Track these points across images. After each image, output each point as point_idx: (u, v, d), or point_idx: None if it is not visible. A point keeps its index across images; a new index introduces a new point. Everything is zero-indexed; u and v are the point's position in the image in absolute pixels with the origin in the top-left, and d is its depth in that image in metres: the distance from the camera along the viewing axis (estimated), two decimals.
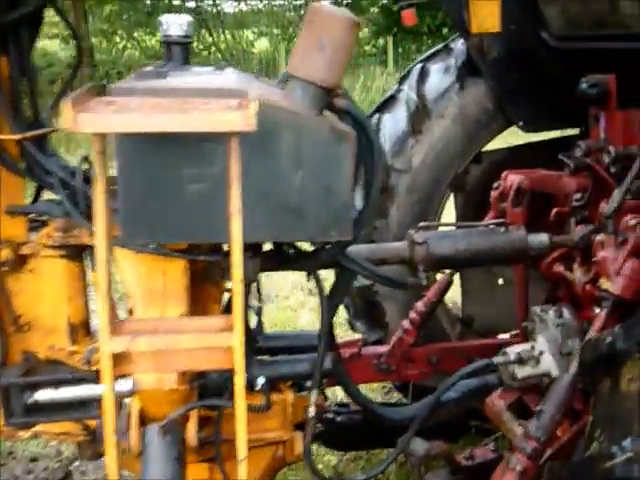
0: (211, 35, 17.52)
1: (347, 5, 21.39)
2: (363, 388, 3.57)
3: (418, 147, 3.18)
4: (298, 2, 20.89)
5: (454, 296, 3.91)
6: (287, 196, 1.79)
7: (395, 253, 2.40)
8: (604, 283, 2.02)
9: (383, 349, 3.05)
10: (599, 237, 2.23)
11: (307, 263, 2.10)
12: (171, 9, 16.59)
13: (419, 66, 3.32)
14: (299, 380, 2.39)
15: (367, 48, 22.18)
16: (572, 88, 2.65)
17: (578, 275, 2.57)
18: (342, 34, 1.76)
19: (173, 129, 1.41)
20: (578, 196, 2.63)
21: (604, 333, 1.52)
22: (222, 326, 1.59)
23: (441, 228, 2.59)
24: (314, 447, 3.10)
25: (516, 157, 3.54)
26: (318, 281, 2.21)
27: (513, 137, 3.51)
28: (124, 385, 1.92)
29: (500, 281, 3.58)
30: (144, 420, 2.03)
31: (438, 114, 3.16)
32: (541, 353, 2.45)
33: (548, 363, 2.45)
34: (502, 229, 2.44)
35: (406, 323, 3.01)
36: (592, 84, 2.48)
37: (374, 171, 1.99)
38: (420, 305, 3.01)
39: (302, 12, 20.30)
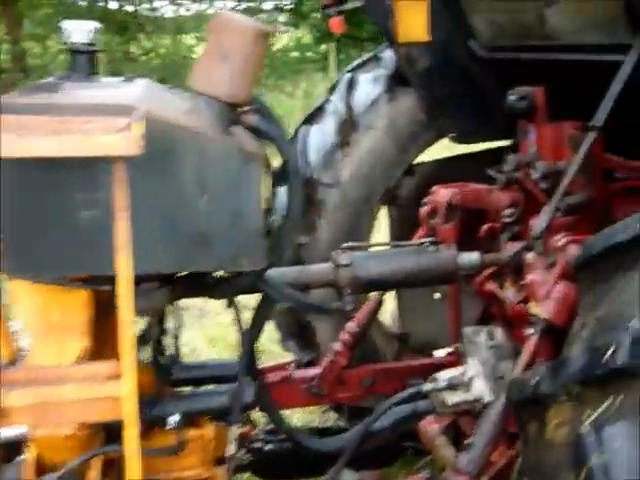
0: (150, 40, 17.14)
1: (290, 10, 21.32)
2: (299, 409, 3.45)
3: (347, 160, 3.05)
4: (239, 7, 20.69)
5: (390, 311, 3.80)
6: (191, 223, 1.64)
7: (319, 276, 2.26)
8: (533, 307, 1.92)
9: (314, 372, 2.92)
10: (529, 257, 2.13)
11: (224, 290, 1.96)
12: (107, 13, 16.16)
13: (348, 76, 3.20)
14: (218, 415, 2.24)
15: (309, 54, 22.13)
16: (502, 99, 2.56)
17: (509, 294, 2.48)
18: (248, 45, 1.62)
19: (44, 153, 1.24)
20: (509, 212, 2.54)
21: (529, 372, 1.41)
22: (111, 373, 1.42)
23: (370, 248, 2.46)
24: (244, 477, 2.94)
25: (450, 169, 3.45)
26: (236, 309, 2.07)
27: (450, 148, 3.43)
28: (14, 431, 1.73)
29: (437, 295, 3.47)
30: (41, 469, 1.84)
31: (367, 126, 3.04)
32: (472, 378, 2.34)
33: (480, 388, 2.34)
34: (432, 248, 2.32)
35: (337, 345, 2.89)
36: (520, 97, 2.39)
37: (291, 191, 1.86)
38: (351, 325, 2.89)
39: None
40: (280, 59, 21.31)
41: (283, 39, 22.74)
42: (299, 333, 3.30)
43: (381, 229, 3.52)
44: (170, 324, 2.38)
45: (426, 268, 2.28)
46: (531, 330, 1.94)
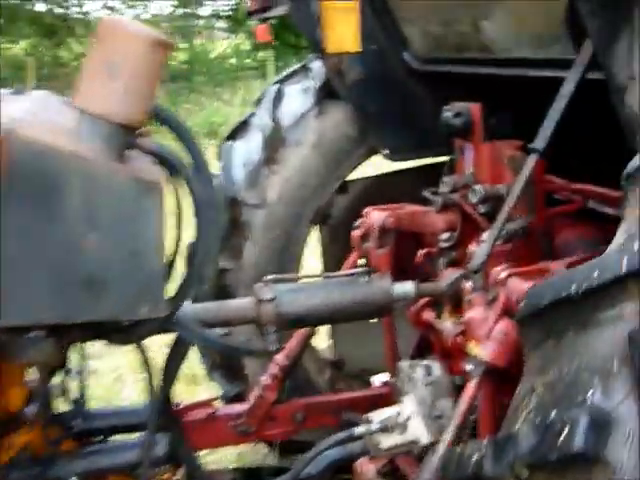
0: (81, 44, 16.58)
1: (227, 17, 21.00)
2: None
3: (274, 178, 2.83)
4: (176, 11, 20.27)
5: (324, 335, 3.59)
6: (77, 265, 1.39)
7: (240, 312, 2.03)
8: (473, 348, 1.74)
9: (241, 408, 2.71)
10: (467, 288, 1.95)
11: (129, 333, 1.72)
12: (35, 16, 15.54)
13: (274, 88, 2.98)
14: (126, 471, 1.99)
15: (247, 61, 21.85)
16: (438, 115, 2.38)
17: (447, 326, 2.30)
18: (142, 56, 1.38)
19: None
20: (446, 236, 2.37)
21: (470, 447, 1.22)
22: None
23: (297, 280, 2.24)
24: None
25: (386, 186, 3.28)
26: (143, 353, 1.83)
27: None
28: None
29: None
30: None
31: (295, 141, 2.83)
32: (408, 418, 2.15)
33: (417, 429, 2.16)
34: (364, 279, 2.12)
35: (265, 378, 2.68)
36: (456, 113, 2.22)
37: (199, 224, 1.63)
38: (280, 358, 2.68)
39: (179, 22, 19.71)
40: (218, 66, 21.01)
41: (221, 46, 22.43)
42: (225, 364, 3.06)
43: (313, 251, 3.32)
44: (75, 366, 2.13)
45: (358, 301, 2.08)
46: (471, 372, 1.75)
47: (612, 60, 1.27)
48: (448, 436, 1.82)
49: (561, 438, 0.94)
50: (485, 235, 2.06)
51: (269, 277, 2.06)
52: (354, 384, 3.47)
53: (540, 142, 1.74)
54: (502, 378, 1.83)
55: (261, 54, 20.86)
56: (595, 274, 1.04)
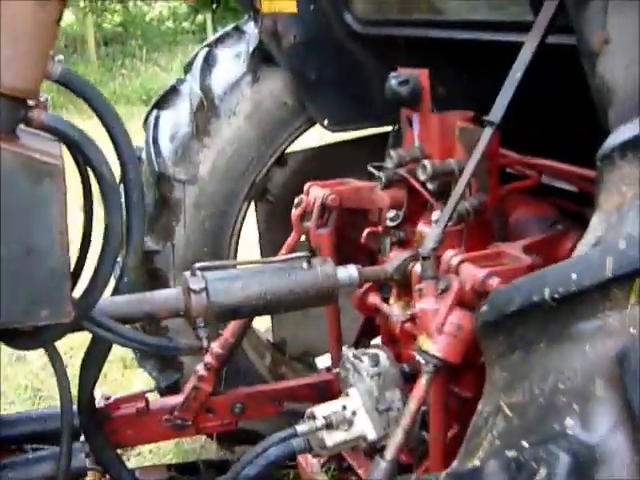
0: None
1: None
2: None
3: (205, 152, 2.60)
4: None
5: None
6: None
7: (165, 305, 1.81)
8: (424, 342, 1.58)
9: (175, 401, 2.52)
10: (415, 272, 1.79)
11: (33, 338, 1.50)
12: None
13: (204, 51, 2.72)
14: None
15: (185, 25, 21.13)
16: (383, 82, 2.18)
17: (395, 311, 2.15)
18: (28, 15, 1.14)
19: None
20: (392, 214, 2.20)
21: (425, 477, 1.06)
22: None
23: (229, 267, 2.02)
24: None
25: (328, 158, 3.08)
26: (52, 355, 1.62)
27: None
28: None
29: None
30: None
31: (228, 111, 2.59)
32: (354, 413, 1.99)
33: (363, 423, 2.00)
34: (304, 264, 1.92)
35: (201, 368, 2.49)
36: (402, 80, 2.02)
37: (110, 211, 1.41)
38: (216, 346, 2.49)
39: None
40: (154, 29, 20.23)
41: (157, 8, 21.62)
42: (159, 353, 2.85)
43: (250, 230, 3.10)
44: None
45: (298, 289, 1.88)
46: (421, 367, 1.59)
47: (583, 21, 1.10)
48: (397, 439, 1.67)
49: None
50: (435, 215, 1.89)
51: (198, 265, 1.84)
52: (297, 367, 3.32)
53: (496, 114, 1.57)
54: (455, 371, 1.68)
55: (199, 17, 20.19)
56: (573, 277, 0.87)
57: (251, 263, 1.93)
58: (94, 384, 1.99)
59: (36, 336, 1.46)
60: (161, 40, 19.13)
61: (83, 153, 1.30)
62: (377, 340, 2.52)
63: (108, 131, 1.59)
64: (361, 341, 2.50)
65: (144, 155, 2.67)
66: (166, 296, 1.85)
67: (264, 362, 3.07)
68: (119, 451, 2.98)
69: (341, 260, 2.14)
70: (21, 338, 1.47)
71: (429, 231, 1.67)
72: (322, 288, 1.92)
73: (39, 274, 1.24)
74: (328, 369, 2.74)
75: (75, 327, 1.60)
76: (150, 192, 2.65)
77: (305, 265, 1.93)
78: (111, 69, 15.15)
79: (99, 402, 2.49)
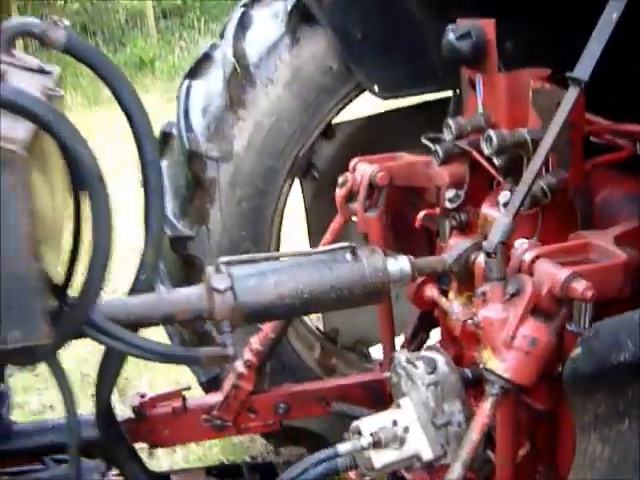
0: None
1: None
2: None
3: (240, 126, 2.32)
4: None
5: None
6: None
7: (186, 306, 1.55)
8: (489, 359, 1.27)
9: (214, 399, 2.31)
10: (478, 265, 1.47)
11: (32, 350, 1.28)
12: None
13: (239, 12, 2.43)
14: None
15: None
16: (440, 37, 1.84)
17: (455, 308, 1.84)
18: None
19: None
20: (452, 194, 1.88)
21: None
22: None
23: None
24: None
25: (380, 127, 2.76)
26: (52, 367, 1.40)
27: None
28: None
29: None
30: None
31: (264, 79, 2.30)
32: (406, 429, 1.71)
33: (417, 441, 1.72)
34: (348, 255, 1.62)
35: (240, 366, 2.26)
36: (463, 33, 1.68)
37: (94, 203, 1.15)
38: (256, 342, 2.25)
39: None
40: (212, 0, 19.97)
41: None
42: (198, 346, 2.61)
43: (296, 211, 2.82)
44: None
45: (342, 286, 1.59)
46: (487, 389, 1.29)
47: None
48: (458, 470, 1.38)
49: None
50: (503, 197, 1.56)
51: (222, 259, 1.56)
52: (350, 358, 3.05)
53: (583, 70, 1.23)
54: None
55: None
56: None
57: (285, 256, 1.64)
58: (110, 393, 1.77)
59: (31, 350, 1.24)
60: (219, 10, 18.90)
61: (52, 132, 1.04)
62: (435, 334, 2.22)
63: (120, 103, 1.36)
64: (417, 337, 2.20)
65: (175, 131, 2.42)
66: (187, 296, 1.58)
67: (313, 354, 2.82)
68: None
69: (395, 247, 1.85)
70: (13, 353, 1.25)
71: (495, 217, 1.35)
72: (369, 284, 1.62)
73: (6, 288, 1.00)
74: (381, 364, 2.46)
75: (75, 335, 1.37)
76: (182, 172, 2.40)
77: (349, 257, 1.62)
78: (170, 42, 15.05)
79: (133, 400, 2.31)
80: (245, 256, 1.63)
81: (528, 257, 1.28)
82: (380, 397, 2.25)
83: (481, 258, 1.62)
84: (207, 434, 2.39)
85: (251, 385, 2.30)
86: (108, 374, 1.67)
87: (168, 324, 1.63)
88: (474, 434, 1.29)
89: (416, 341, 2.28)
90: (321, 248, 1.65)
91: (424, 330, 2.29)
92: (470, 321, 1.32)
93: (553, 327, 1.24)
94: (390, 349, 2.18)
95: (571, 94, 1.27)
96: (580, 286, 1.18)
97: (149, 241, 1.51)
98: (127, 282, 1.56)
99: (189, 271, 2.46)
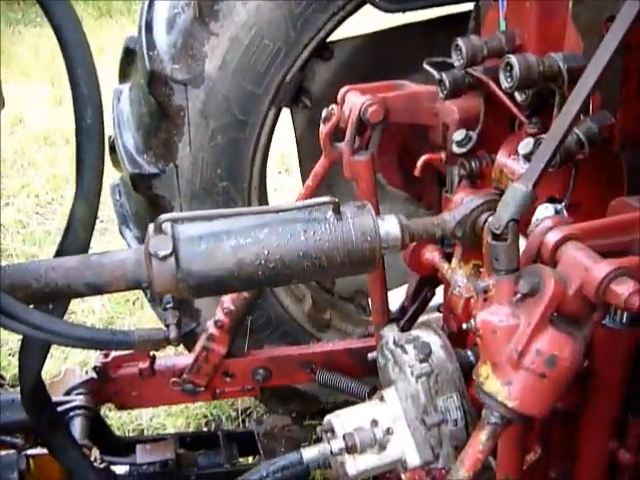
0: None
1: None
2: None
3: (212, 42, 1.92)
4: None
5: None
6: None
7: (119, 274, 1.19)
8: (487, 379, 0.92)
9: (186, 361, 2.06)
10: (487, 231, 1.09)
11: None
12: None
13: None
14: None
15: None
16: None
17: (458, 279, 1.47)
18: None
19: None
20: (461, 135, 1.48)
21: None
22: None
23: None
24: None
25: (385, 48, 2.32)
26: None
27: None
28: None
29: None
30: None
31: None
32: (390, 430, 1.38)
33: (402, 443, 1.40)
34: (329, 213, 1.23)
35: (211, 326, 1.97)
36: None
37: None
38: (228, 302, 1.95)
39: None
40: None
41: None
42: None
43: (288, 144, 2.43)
44: None
45: (320, 252, 1.21)
46: (485, 417, 0.94)
47: None
48: None
49: None
50: (524, 145, 1.17)
51: (165, 216, 1.19)
52: (346, 310, 2.72)
53: None
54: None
55: None
56: None
57: (249, 214, 1.26)
58: (40, 369, 1.46)
59: None
60: None
61: None
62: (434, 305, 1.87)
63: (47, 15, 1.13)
64: (413, 304, 1.85)
65: (138, 48, 2.02)
66: (122, 260, 1.21)
67: (303, 307, 2.49)
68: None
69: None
70: None
71: (513, 170, 0.96)
72: (355, 250, 1.23)
73: None
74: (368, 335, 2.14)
75: None
76: (144, 98, 2.02)
77: (330, 215, 1.24)
78: None
79: (97, 360, 2.05)
80: (196, 212, 1.25)
81: (552, 238, 0.90)
82: (370, 366, 1.94)
83: (490, 223, 1.25)
84: (179, 398, 2.12)
85: (224, 348, 2.02)
86: (36, 345, 1.37)
87: (97, 295, 1.29)
88: (462, 472, 0.95)
89: (417, 301, 1.93)
90: (296, 203, 1.27)
91: (428, 288, 1.93)
92: (466, 326, 0.96)
93: (580, 339, 0.88)
94: (382, 313, 1.82)
95: (631, 7, 0.86)
96: (625, 289, 0.81)
97: (80, 193, 1.24)
98: None
99: (157, 214, 2.11)
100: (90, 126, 1.22)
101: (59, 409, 1.88)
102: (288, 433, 2.21)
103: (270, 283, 1.26)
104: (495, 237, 0.94)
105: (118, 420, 2.69)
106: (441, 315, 1.77)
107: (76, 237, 1.28)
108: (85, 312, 3.27)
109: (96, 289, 1.22)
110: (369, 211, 1.25)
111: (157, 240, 1.18)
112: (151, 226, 1.20)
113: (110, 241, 3.76)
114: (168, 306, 1.29)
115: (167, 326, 1.25)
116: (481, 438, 0.95)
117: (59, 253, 1.27)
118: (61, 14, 1.17)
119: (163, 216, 1.19)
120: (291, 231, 1.22)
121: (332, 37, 2.13)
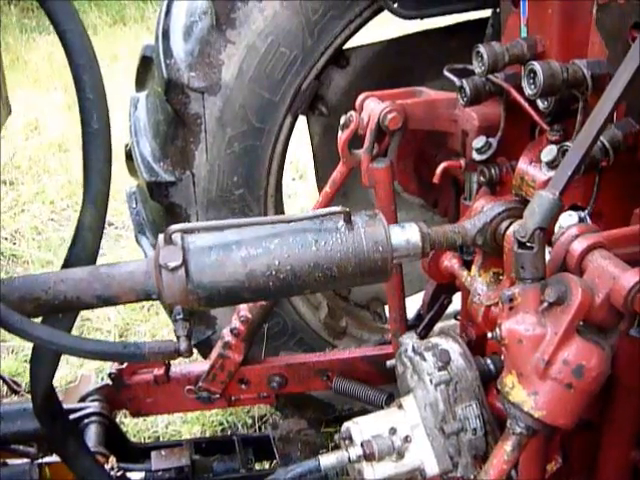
0: None
1: None
2: None
3: (230, 50, 1.92)
4: None
5: None
6: None
7: (129, 285, 1.20)
8: (513, 389, 0.91)
9: (201, 369, 2.07)
10: (511, 233, 1.08)
11: None
12: None
13: None
14: None
15: None
16: None
17: (478, 288, 1.47)
18: None
19: None
20: (481, 142, 1.47)
21: None
22: None
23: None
24: None
25: (406, 54, 2.32)
26: None
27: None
28: None
29: None
30: None
31: None
32: (408, 439, 1.37)
33: (421, 451, 1.40)
34: (341, 223, 1.23)
35: (227, 334, 1.96)
36: None
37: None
38: (244, 309, 1.95)
39: None
40: None
41: None
42: None
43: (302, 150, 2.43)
44: None
45: (331, 263, 1.21)
46: (510, 427, 0.93)
47: None
48: None
49: None
50: (547, 153, 1.16)
51: (175, 227, 1.19)
52: (362, 318, 2.71)
53: None
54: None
55: None
56: None
57: (259, 223, 1.27)
58: (52, 377, 1.46)
59: None
60: None
61: None
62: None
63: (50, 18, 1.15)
64: (429, 312, 1.84)
65: (155, 56, 2.03)
66: (131, 272, 1.22)
67: (318, 314, 2.48)
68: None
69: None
70: None
71: (535, 179, 0.96)
72: (366, 260, 1.23)
73: None
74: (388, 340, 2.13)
75: None
76: (161, 106, 2.02)
77: (342, 225, 1.24)
78: None
79: (112, 366, 2.06)
80: (205, 223, 1.26)
81: (578, 247, 0.90)
82: (388, 374, 1.93)
83: (515, 229, 1.24)
84: (193, 405, 2.13)
85: (240, 355, 2.02)
86: (47, 354, 1.37)
87: (106, 307, 1.29)
88: (490, 471, 0.94)
89: (434, 309, 1.92)
90: (307, 213, 1.27)
91: (445, 295, 1.92)
92: (490, 335, 0.96)
93: (607, 348, 0.87)
94: (400, 320, 1.82)
95: None
96: None
97: (87, 198, 1.23)
98: None
99: (173, 222, 2.12)
100: (97, 131, 1.21)
101: (74, 416, 1.88)
102: (304, 437, 2.20)
103: (281, 294, 1.25)
104: (521, 245, 0.93)
105: (134, 427, 2.69)
106: (458, 323, 1.77)
107: (85, 244, 1.28)
108: (100, 319, 3.28)
109: (105, 301, 1.21)
110: (381, 220, 1.24)
111: (167, 251, 1.18)
112: (161, 237, 1.19)
113: (124, 247, 3.77)
114: (178, 317, 1.25)
115: (177, 338, 1.24)
116: (506, 449, 0.94)
117: (68, 260, 1.27)
118: (66, 20, 1.17)
119: (173, 227, 1.19)
120: (302, 241, 1.22)
121: (348, 44, 2.14)
